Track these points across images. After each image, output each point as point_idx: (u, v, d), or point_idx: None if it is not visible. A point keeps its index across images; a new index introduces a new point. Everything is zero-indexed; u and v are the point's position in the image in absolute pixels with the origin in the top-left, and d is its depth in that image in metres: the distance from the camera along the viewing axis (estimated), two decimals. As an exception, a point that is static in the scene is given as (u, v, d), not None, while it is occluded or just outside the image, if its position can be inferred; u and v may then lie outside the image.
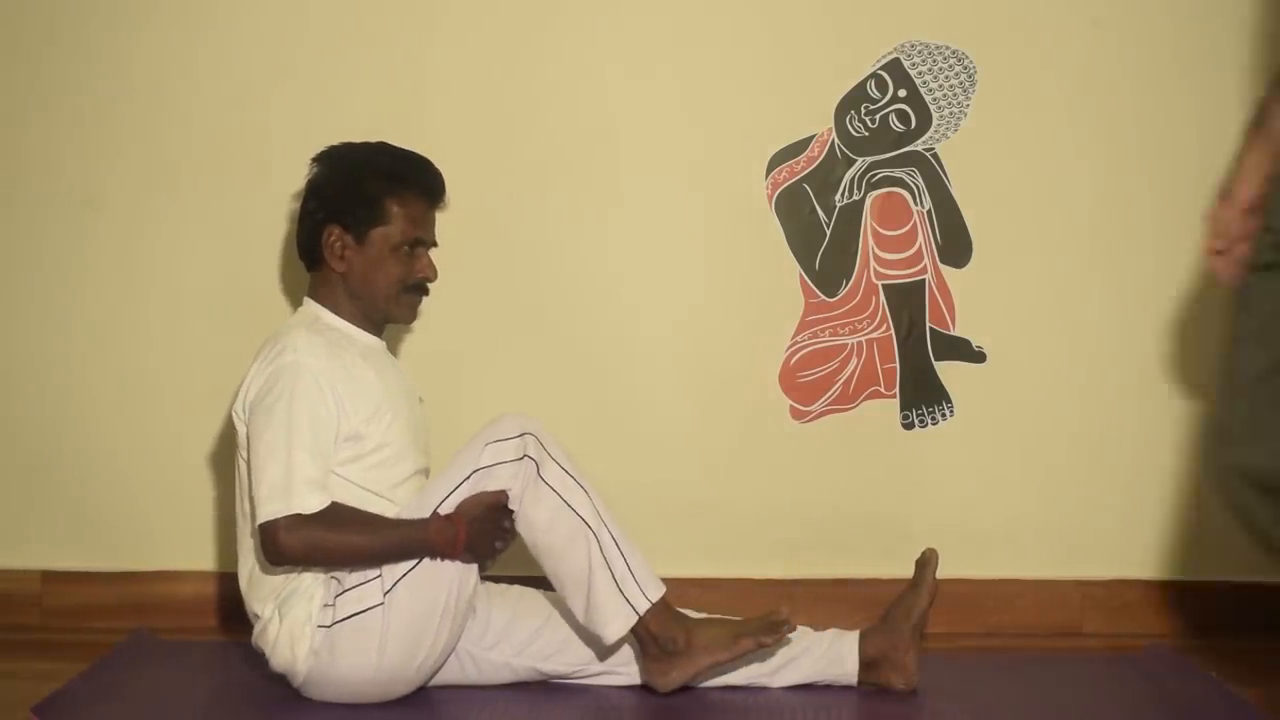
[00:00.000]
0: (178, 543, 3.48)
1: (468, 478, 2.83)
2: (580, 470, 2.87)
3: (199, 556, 3.47)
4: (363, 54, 3.42)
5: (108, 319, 3.46)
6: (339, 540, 2.76)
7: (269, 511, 2.74)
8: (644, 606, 2.84)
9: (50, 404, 3.47)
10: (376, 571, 2.79)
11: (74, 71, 3.43)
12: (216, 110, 3.43)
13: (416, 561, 2.79)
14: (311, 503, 2.75)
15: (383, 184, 2.95)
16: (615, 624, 2.85)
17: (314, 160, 3.01)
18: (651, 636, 2.88)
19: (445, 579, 2.81)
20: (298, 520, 2.74)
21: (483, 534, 2.82)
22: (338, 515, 2.77)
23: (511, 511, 2.85)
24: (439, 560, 2.80)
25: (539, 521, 2.84)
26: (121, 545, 3.47)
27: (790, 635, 2.90)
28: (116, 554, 3.47)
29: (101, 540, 3.47)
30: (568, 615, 2.96)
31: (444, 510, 2.81)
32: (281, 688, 2.89)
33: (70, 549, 3.48)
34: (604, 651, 2.97)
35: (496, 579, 3.08)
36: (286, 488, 2.75)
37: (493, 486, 2.83)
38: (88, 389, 3.46)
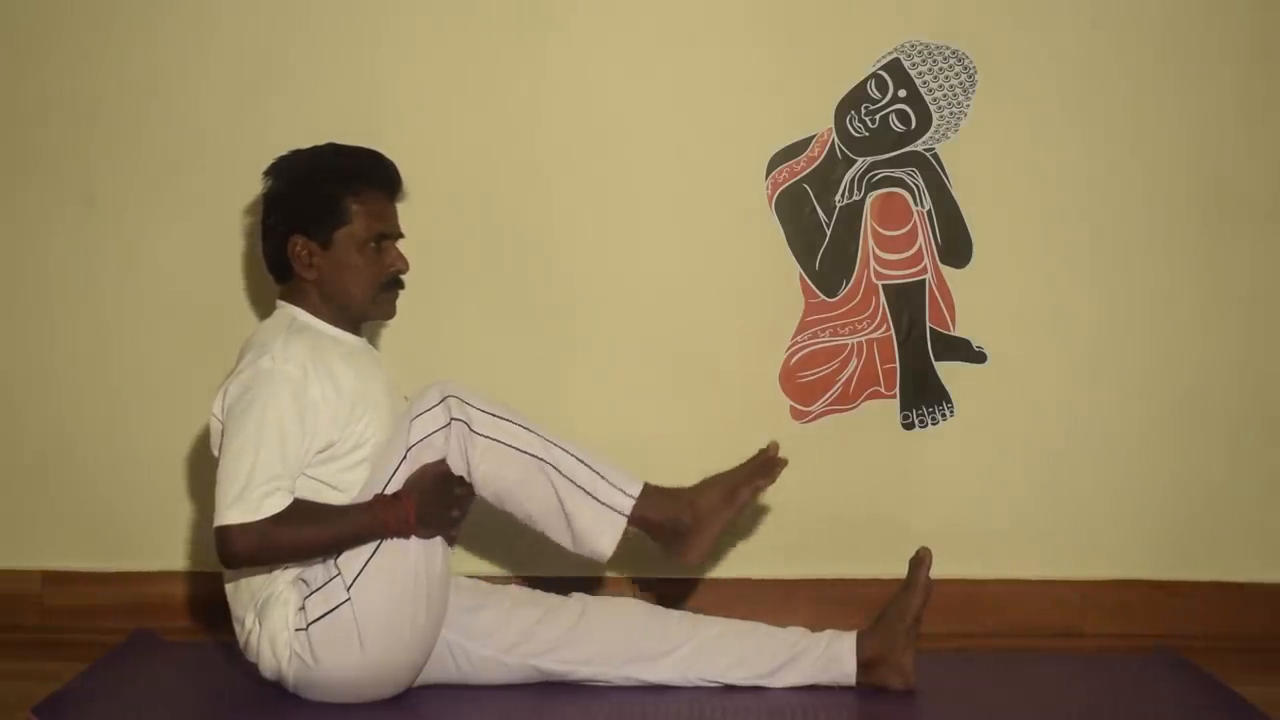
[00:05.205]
0: (178, 543, 3.48)
1: (404, 457, 2.82)
2: (511, 409, 2.86)
3: (199, 557, 3.47)
4: (363, 54, 3.43)
5: (108, 319, 3.46)
6: (291, 535, 2.74)
7: (227, 517, 2.73)
8: (627, 505, 2.84)
9: (51, 404, 3.47)
10: (335, 570, 2.78)
11: (74, 71, 3.43)
12: (216, 110, 3.43)
13: (373, 552, 2.78)
14: (267, 507, 2.74)
15: (338, 184, 2.92)
16: (606, 537, 2.85)
17: (265, 173, 2.98)
18: (656, 525, 2.87)
19: (409, 560, 2.80)
20: (249, 523, 2.73)
21: (433, 505, 2.81)
22: (287, 511, 2.76)
23: (459, 478, 2.84)
24: (396, 541, 2.79)
25: (490, 474, 2.83)
26: (121, 545, 3.48)
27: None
28: (116, 554, 3.47)
29: (101, 540, 3.48)
30: (563, 614, 2.96)
31: (389, 493, 2.81)
32: (280, 688, 2.89)
33: (70, 549, 3.48)
34: (599, 650, 2.97)
35: (493, 579, 3.08)
36: (247, 494, 2.73)
37: (431, 458, 2.83)
38: (89, 389, 3.47)
